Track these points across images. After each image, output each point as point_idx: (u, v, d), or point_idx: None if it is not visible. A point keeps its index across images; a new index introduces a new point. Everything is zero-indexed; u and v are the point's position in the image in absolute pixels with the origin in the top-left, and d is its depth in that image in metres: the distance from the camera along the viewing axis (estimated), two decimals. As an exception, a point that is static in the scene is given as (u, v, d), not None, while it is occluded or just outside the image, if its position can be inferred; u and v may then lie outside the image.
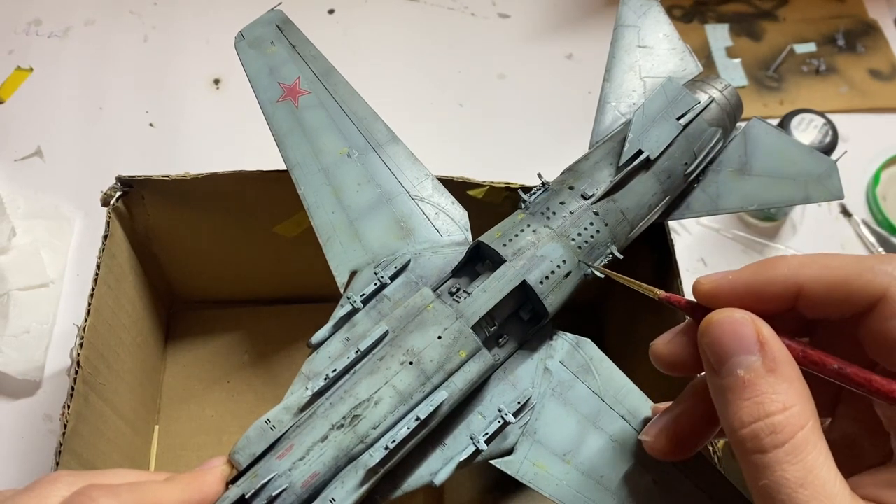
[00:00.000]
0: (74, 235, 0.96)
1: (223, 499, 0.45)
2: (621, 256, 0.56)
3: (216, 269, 0.85)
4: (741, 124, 0.63)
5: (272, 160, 0.62)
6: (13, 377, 0.83)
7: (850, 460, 0.40)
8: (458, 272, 0.55)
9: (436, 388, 0.48)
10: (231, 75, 1.11)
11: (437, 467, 0.50)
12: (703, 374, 0.43)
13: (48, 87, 1.10)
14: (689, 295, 0.63)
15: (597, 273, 0.54)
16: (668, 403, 0.48)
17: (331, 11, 1.20)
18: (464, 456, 0.50)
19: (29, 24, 1.16)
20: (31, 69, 1.11)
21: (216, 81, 1.11)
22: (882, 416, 0.39)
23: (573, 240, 0.53)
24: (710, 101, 0.60)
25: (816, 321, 0.43)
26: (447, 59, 1.15)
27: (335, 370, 0.49)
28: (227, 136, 1.04)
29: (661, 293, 0.45)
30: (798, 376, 0.37)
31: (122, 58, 1.13)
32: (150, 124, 1.07)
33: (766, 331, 0.37)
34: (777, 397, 0.36)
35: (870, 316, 0.37)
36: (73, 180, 1.00)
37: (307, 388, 0.48)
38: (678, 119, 0.58)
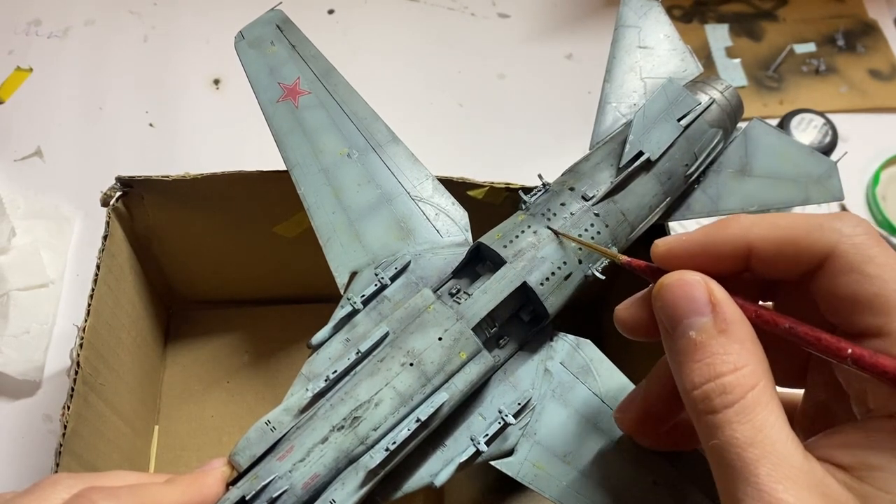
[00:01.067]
0: (74, 235, 0.96)
1: (223, 500, 0.45)
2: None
3: (216, 269, 0.85)
4: (741, 125, 0.64)
5: (272, 160, 0.62)
6: (13, 377, 0.83)
7: (825, 427, 0.40)
8: (458, 273, 0.55)
9: (436, 389, 0.48)
10: (231, 75, 1.11)
11: (438, 468, 0.50)
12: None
13: (48, 88, 1.10)
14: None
15: (597, 274, 0.54)
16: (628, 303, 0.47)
17: (330, 11, 1.20)
18: (464, 457, 0.50)
19: (29, 24, 1.16)
20: (31, 69, 1.11)
21: (216, 81, 1.11)
22: (840, 379, 0.39)
23: (573, 240, 0.53)
24: (711, 103, 0.60)
25: (777, 283, 0.43)
26: (447, 59, 1.15)
27: (335, 371, 0.49)
28: (228, 136, 1.04)
29: (623, 258, 0.45)
30: (750, 336, 0.37)
31: (122, 58, 1.13)
32: (150, 124, 1.07)
33: (718, 291, 0.37)
34: (728, 358, 0.36)
35: (819, 274, 0.37)
36: (73, 180, 1.00)
37: (307, 390, 0.48)
38: (679, 120, 0.58)
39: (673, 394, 0.42)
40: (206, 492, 0.45)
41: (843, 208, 1.00)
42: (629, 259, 0.45)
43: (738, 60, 1.13)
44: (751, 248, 0.39)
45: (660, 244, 0.42)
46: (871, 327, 0.36)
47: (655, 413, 0.46)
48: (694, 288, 0.38)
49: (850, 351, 0.35)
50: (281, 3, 0.67)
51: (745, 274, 0.41)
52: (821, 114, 0.92)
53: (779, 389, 0.39)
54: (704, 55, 1.14)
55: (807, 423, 0.43)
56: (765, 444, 0.34)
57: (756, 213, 0.40)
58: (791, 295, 0.42)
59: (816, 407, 0.43)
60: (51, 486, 0.42)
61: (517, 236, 0.53)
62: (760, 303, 0.41)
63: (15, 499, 0.41)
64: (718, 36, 1.16)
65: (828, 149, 0.90)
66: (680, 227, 0.97)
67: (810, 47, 1.15)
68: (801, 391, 0.44)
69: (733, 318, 0.37)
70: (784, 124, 0.92)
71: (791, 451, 0.34)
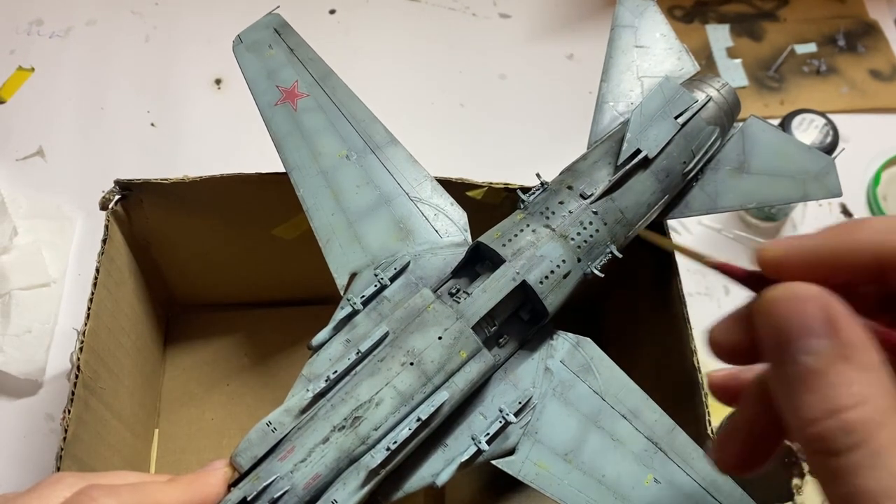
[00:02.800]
0: (76, 235, 0.96)
1: (225, 501, 0.45)
2: (620, 255, 0.56)
3: (215, 271, 0.85)
4: (739, 123, 0.64)
5: (274, 159, 0.62)
6: (15, 376, 0.83)
7: None
8: (457, 273, 0.55)
9: (437, 388, 0.49)
10: (232, 76, 1.11)
11: (439, 468, 0.50)
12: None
13: (49, 87, 1.10)
14: (691, 303, 0.63)
15: (596, 273, 0.54)
16: (725, 370, 0.41)
17: (332, 11, 1.20)
18: (465, 456, 0.50)
19: (30, 23, 1.16)
20: (33, 69, 1.11)
21: (217, 81, 1.11)
22: None
23: (572, 239, 0.54)
24: (708, 100, 0.60)
25: None
26: (448, 59, 1.15)
27: (336, 372, 0.49)
28: (229, 136, 1.04)
29: (713, 260, 0.39)
30: (878, 364, 0.30)
31: (124, 58, 1.13)
32: (152, 124, 1.07)
33: (840, 309, 0.31)
34: (853, 389, 0.29)
35: None
36: (75, 180, 1.00)
37: (308, 390, 0.49)
38: (676, 118, 0.58)
39: (773, 422, 0.36)
40: (208, 491, 0.45)
41: (844, 208, 1.00)
42: (721, 262, 0.38)
43: (738, 61, 1.13)
44: (890, 257, 0.32)
45: (768, 249, 0.35)
46: None
47: (763, 447, 0.38)
48: (810, 304, 0.31)
49: None
50: (280, 4, 0.67)
51: (865, 287, 0.34)
52: (822, 114, 0.92)
53: None
54: (705, 55, 1.14)
55: None
56: None
57: (885, 218, 0.33)
58: None
59: None
60: (53, 485, 0.42)
61: (516, 235, 0.53)
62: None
63: (17, 498, 0.41)
64: (719, 36, 1.16)
65: (829, 149, 0.90)
66: (678, 225, 0.98)
67: (811, 47, 1.15)
68: None
69: (858, 341, 0.31)
70: (785, 124, 0.92)
71: None
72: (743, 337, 0.36)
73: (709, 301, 0.93)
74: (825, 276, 0.33)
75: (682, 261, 0.68)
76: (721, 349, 0.37)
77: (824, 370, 0.30)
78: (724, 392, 0.38)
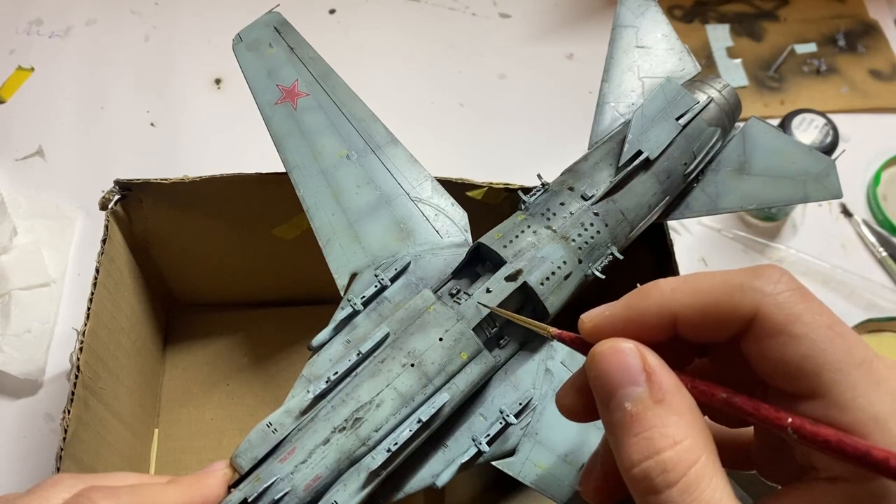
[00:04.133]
0: (75, 235, 0.96)
1: (225, 502, 0.45)
2: (621, 257, 0.56)
3: (215, 271, 0.85)
4: (739, 124, 0.64)
5: (274, 159, 0.62)
6: (14, 376, 0.83)
7: (778, 465, 0.39)
8: (458, 273, 0.55)
9: (437, 389, 0.48)
10: (232, 75, 1.11)
11: (439, 469, 0.50)
12: None
13: (49, 87, 1.10)
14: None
15: (597, 274, 0.54)
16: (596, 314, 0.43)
17: (332, 11, 1.20)
18: (466, 457, 0.50)
19: (30, 23, 1.16)
20: (33, 69, 1.11)
21: (217, 81, 1.11)
22: (784, 437, 0.36)
23: (573, 240, 0.54)
24: (709, 101, 0.60)
25: (709, 345, 0.40)
26: (448, 59, 1.15)
27: (336, 373, 0.49)
28: (229, 136, 1.04)
29: (553, 330, 0.43)
30: (689, 406, 0.35)
31: (124, 57, 1.13)
32: (152, 124, 1.07)
33: (652, 359, 0.35)
34: (666, 430, 0.33)
35: (748, 336, 0.35)
36: (75, 180, 1.00)
37: (308, 391, 0.48)
38: (677, 119, 0.58)
39: None
40: (207, 493, 0.45)
41: (844, 208, 1.00)
42: (558, 332, 0.42)
43: (738, 60, 1.13)
44: (675, 315, 0.37)
45: (585, 320, 0.39)
46: (806, 390, 0.34)
47: (617, 481, 0.41)
48: (627, 356, 0.35)
49: (790, 420, 0.33)
50: (279, 3, 0.67)
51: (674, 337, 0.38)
52: (822, 114, 0.92)
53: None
54: (705, 55, 1.14)
55: (761, 462, 0.42)
56: None
57: (673, 279, 0.37)
58: (724, 355, 0.40)
59: (767, 450, 0.41)
60: (52, 487, 0.42)
61: (517, 236, 0.53)
62: (697, 360, 0.40)
63: (17, 499, 0.41)
64: (719, 36, 1.16)
65: (829, 149, 0.90)
66: (679, 226, 0.97)
67: (811, 47, 1.15)
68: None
69: (669, 386, 0.35)
70: (785, 124, 0.92)
71: None
72: (579, 398, 0.40)
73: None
74: (634, 335, 0.37)
75: (683, 261, 0.68)
76: (567, 410, 0.41)
77: (642, 414, 0.34)
78: (594, 337, 0.40)
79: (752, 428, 0.42)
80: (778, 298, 0.34)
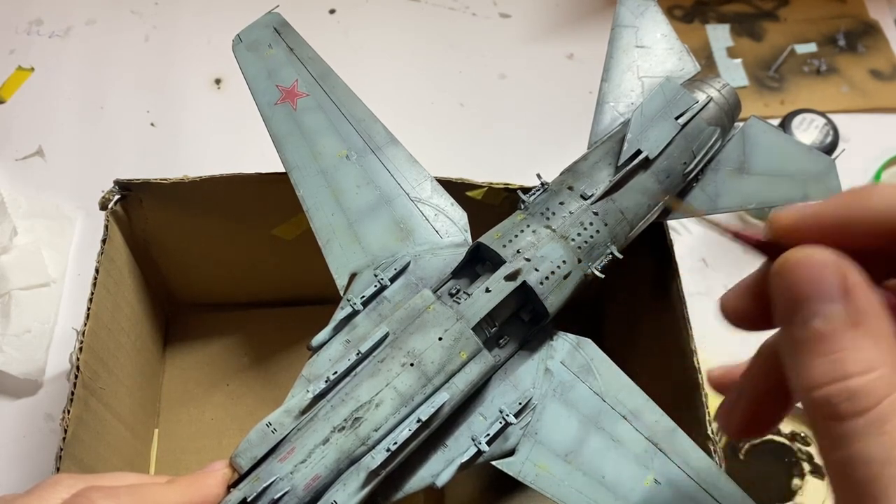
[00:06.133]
0: (75, 235, 0.96)
1: (225, 502, 0.45)
2: (621, 256, 0.56)
3: (215, 271, 0.85)
4: (739, 124, 0.64)
5: (274, 159, 0.62)
6: (14, 376, 0.83)
7: None
8: (457, 273, 0.55)
9: (437, 389, 0.48)
10: (232, 75, 1.10)
11: (439, 468, 0.50)
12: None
13: (49, 87, 1.10)
14: (691, 303, 0.63)
15: (597, 273, 0.54)
16: (723, 366, 0.42)
17: (332, 11, 1.20)
18: (465, 457, 0.50)
19: (30, 23, 1.16)
20: (33, 69, 1.11)
21: (217, 81, 1.11)
22: None
23: (573, 240, 0.53)
24: (709, 101, 0.60)
25: None
26: (448, 59, 1.15)
27: (336, 373, 0.49)
28: (229, 136, 1.04)
29: (733, 227, 0.39)
30: (889, 334, 0.30)
31: (124, 57, 1.13)
32: (151, 124, 1.07)
33: (855, 276, 0.31)
34: (860, 355, 0.30)
35: None
36: (74, 180, 1.00)
37: (308, 391, 0.48)
38: (677, 118, 0.58)
39: (785, 390, 0.36)
40: (207, 492, 0.45)
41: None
42: (737, 231, 0.39)
43: (739, 60, 1.13)
44: (875, 236, 0.32)
45: (783, 215, 0.35)
46: None
47: (766, 415, 0.39)
48: (824, 269, 0.31)
49: None
50: (279, 3, 0.67)
51: (875, 254, 0.34)
52: (822, 114, 0.92)
53: None
54: (705, 55, 1.14)
55: None
56: None
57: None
58: None
59: None
60: (51, 487, 0.42)
61: (516, 236, 0.53)
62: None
63: (17, 500, 0.41)
64: (719, 36, 1.16)
65: (829, 149, 0.90)
66: (678, 225, 0.97)
67: (811, 47, 1.14)
68: None
69: (871, 309, 0.31)
70: (785, 124, 0.92)
71: None
72: (754, 303, 0.36)
73: (709, 301, 0.92)
74: (837, 241, 0.32)
75: (683, 261, 0.68)
76: (733, 313, 0.37)
77: (834, 335, 0.30)
78: (723, 386, 0.38)
79: None
80: None
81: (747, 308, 0.37)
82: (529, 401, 0.52)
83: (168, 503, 0.43)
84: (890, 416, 0.29)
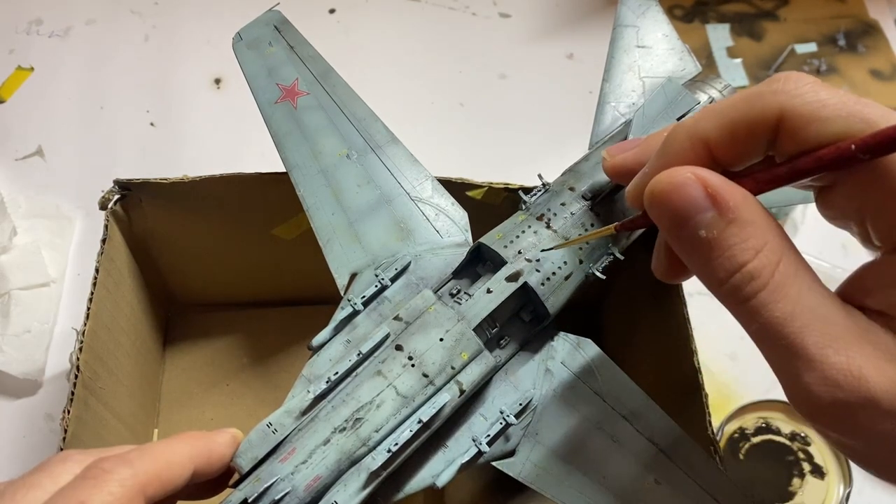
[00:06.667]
0: (75, 235, 0.96)
1: (226, 502, 0.45)
2: (622, 257, 0.56)
3: (215, 271, 0.85)
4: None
5: (274, 159, 0.62)
6: (14, 376, 0.83)
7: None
8: (458, 273, 0.55)
9: (438, 390, 0.48)
10: (232, 75, 1.11)
11: (440, 469, 0.49)
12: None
13: (49, 87, 1.10)
14: (691, 303, 0.63)
15: (598, 274, 0.54)
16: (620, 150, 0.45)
17: (331, 11, 1.20)
18: (466, 458, 0.49)
19: (30, 23, 1.16)
20: (32, 68, 1.11)
21: (217, 81, 1.11)
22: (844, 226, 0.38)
23: (574, 240, 0.53)
24: (710, 101, 0.60)
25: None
26: (448, 59, 1.15)
27: (337, 373, 0.49)
28: (229, 136, 1.04)
29: (615, 226, 0.44)
30: (759, 212, 0.35)
31: (123, 57, 1.13)
32: (151, 124, 1.07)
33: (713, 179, 0.35)
34: (746, 244, 0.34)
35: (780, 142, 0.35)
36: (74, 180, 1.00)
37: (309, 391, 0.48)
38: (678, 119, 0.58)
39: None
40: (214, 448, 0.45)
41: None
42: (620, 223, 0.44)
43: (739, 60, 1.13)
44: (707, 142, 0.37)
45: (606, 156, 0.40)
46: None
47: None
48: (686, 187, 0.35)
49: (853, 146, 0.32)
50: (279, 2, 0.67)
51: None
52: (822, 113, 0.93)
53: None
54: (705, 55, 1.14)
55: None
56: (804, 313, 0.33)
57: (701, 109, 0.38)
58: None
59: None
60: (61, 463, 0.41)
61: (518, 236, 0.53)
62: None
63: (26, 477, 0.40)
64: (719, 36, 1.16)
65: (829, 148, 0.90)
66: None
67: (811, 47, 1.14)
68: None
69: (737, 200, 0.34)
70: (785, 124, 0.92)
71: (831, 311, 0.33)
72: (668, 256, 0.41)
73: (709, 301, 0.92)
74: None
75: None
76: (663, 276, 0.43)
77: (719, 238, 0.34)
78: (662, 273, 0.42)
79: None
80: (799, 92, 0.34)
81: (667, 263, 0.42)
82: (530, 401, 0.52)
83: (178, 454, 0.43)
84: (785, 280, 0.34)
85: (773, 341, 0.34)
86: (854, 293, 0.35)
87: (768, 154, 0.37)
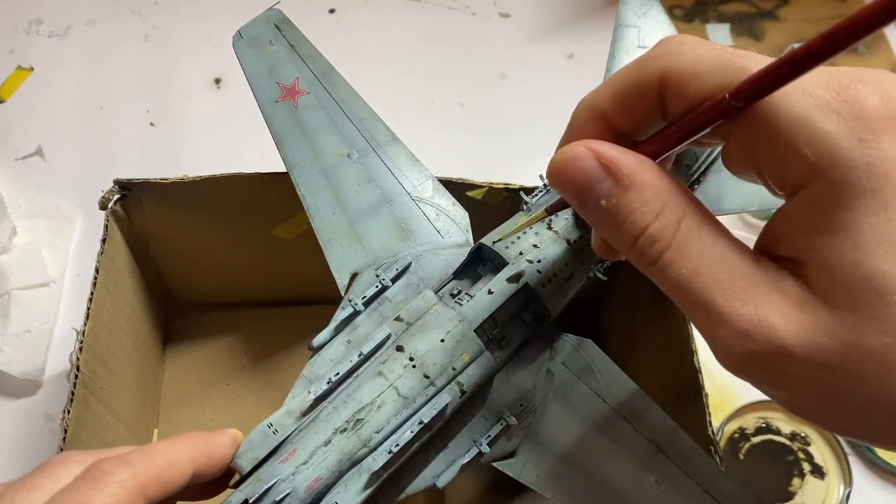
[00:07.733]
0: (75, 235, 0.96)
1: (226, 503, 0.45)
2: (624, 258, 0.56)
3: (215, 271, 0.85)
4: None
5: (274, 159, 0.62)
6: (14, 376, 0.83)
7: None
8: (459, 274, 0.54)
9: (439, 391, 0.48)
10: (232, 75, 1.11)
11: (440, 470, 0.50)
12: None
13: (49, 87, 1.10)
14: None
15: (599, 276, 0.54)
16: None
17: (331, 11, 1.20)
18: (466, 459, 0.49)
19: (30, 23, 1.16)
20: (32, 68, 1.11)
21: (217, 81, 1.11)
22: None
23: (575, 242, 0.53)
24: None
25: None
26: (448, 59, 1.15)
27: (337, 374, 0.49)
28: (229, 135, 1.04)
29: (547, 209, 0.45)
30: (657, 174, 0.35)
31: (123, 57, 1.13)
32: (151, 124, 1.07)
33: (606, 148, 0.35)
34: (646, 208, 0.34)
35: (667, 102, 0.36)
36: (74, 179, 1.00)
37: (309, 392, 0.48)
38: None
39: None
40: (214, 448, 0.45)
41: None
42: (550, 205, 0.45)
43: (739, 60, 1.13)
44: (605, 115, 0.38)
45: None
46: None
47: None
48: (580, 161, 0.35)
49: (727, 95, 0.33)
50: (279, 2, 0.67)
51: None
52: (822, 113, 0.92)
53: None
54: (705, 55, 1.14)
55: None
56: (710, 267, 0.33)
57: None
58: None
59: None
60: (60, 465, 0.41)
61: (519, 237, 0.53)
62: None
63: (26, 478, 0.40)
64: (719, 36, 1.16)
65: (829, 148, 0.90)
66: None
67: (811, 47, 1.14)
68: None
69: (632, 167, 0.35)
70: (785, 124, 0.92)
71: (738, 263, 0.33)
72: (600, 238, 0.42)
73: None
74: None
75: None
76: (605, 254, 0.43)
77: (619, 205, 0.35)
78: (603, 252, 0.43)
79: None
80: (679, 51, 0.35)
81: (600, 240, 0.42)
82: (531, 402, 0.52)
83: (179, 455, 0.43)
84: (687, 238, 0.34)
85: (684, 299, 0.34)
86: (767, 243, 0.35)
87: (670, 119, 0.37)
